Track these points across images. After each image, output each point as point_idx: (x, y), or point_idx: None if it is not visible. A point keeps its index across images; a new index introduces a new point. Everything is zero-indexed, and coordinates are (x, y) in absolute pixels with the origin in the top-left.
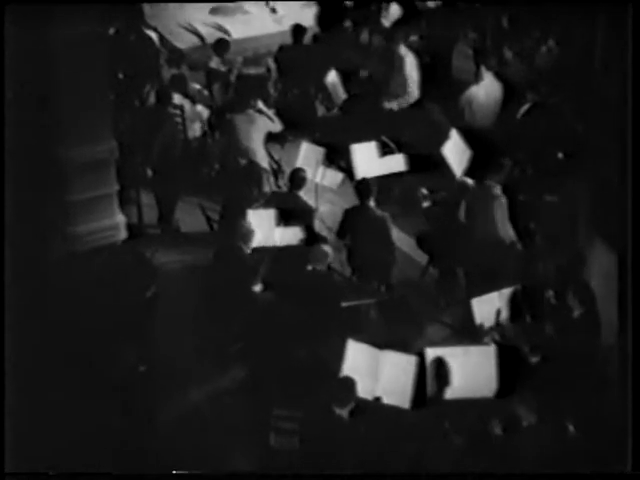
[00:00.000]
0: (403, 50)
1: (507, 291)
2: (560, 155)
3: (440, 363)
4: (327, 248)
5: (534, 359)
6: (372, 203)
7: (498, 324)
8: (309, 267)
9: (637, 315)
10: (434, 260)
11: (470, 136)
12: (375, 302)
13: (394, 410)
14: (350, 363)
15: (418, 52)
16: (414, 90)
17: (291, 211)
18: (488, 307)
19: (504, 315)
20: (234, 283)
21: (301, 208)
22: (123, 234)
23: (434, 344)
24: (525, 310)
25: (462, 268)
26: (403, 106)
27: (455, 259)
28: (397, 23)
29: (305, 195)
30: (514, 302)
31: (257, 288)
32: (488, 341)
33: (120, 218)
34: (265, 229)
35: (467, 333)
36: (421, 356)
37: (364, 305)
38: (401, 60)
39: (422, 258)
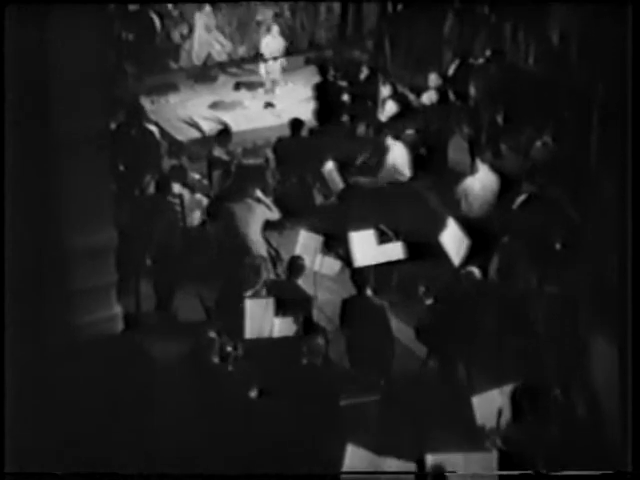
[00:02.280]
0: (390, 141)
1: (508, 388)
2: (558, 246)
3: (441, 473)
4: (324, 340)
5: (537, 464)
6: (370, 292)
7: (500, 426)
8: (305, 360)
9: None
10: (434, 353)
11: (468, 225)
12: (374, 400)
13: None
14: (349, 469)
15: (414, 144)
16: (405, 171)
17: (289, 300)
18: (489, 406)
19: (506, 415)
20: (231, 375)
21: (299, 297)
22: (120, 325)
23: (435, 448)
24: (527, 409)
25: (463, 362)
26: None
27: (456, 352)
28: (393, 118)
29: (303, 283)
30: (515, 400)
31: (253, 394)
32: (489, 446)
33: (117, 309)
34: (262, 319)
35: (468, 436)
36: (421, 463)
37: (363, 403)
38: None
39: (422, 351)
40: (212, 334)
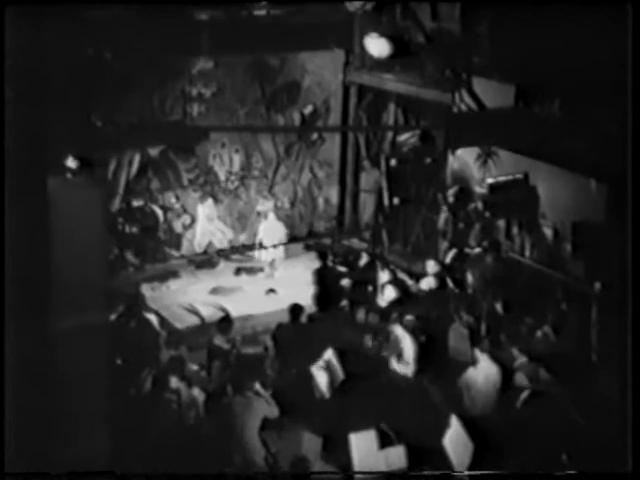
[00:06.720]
0: (399, 330)
1: None
2: (564, 457)
3: None
4: None
5: None
6: None
7: None
8: None
9: None
10: None
11: (470, 424)
12: None
13: None
14: None
15: (414, 331)
16: (410, 364)
17: None
18: None
19: None
20: None
21: None
22: None
23: None
24: None
25: None
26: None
27: None
28: (393, 303)
29: None
30: None
31: None
32: None
33: None
34: None
35: None
36: None
37: None
38: (397, 339)
39: None
40: None
